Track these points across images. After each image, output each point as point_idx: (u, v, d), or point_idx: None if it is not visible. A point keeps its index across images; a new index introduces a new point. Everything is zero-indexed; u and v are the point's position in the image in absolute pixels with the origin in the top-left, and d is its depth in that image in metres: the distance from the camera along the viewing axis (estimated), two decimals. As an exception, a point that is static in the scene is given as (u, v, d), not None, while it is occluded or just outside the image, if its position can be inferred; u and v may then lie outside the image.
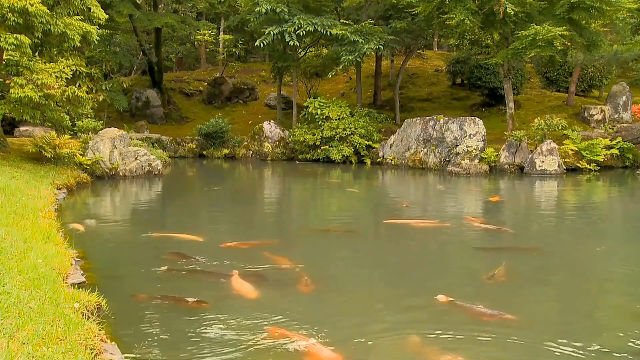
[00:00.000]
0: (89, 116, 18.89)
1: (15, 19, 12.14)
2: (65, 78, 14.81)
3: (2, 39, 12.10)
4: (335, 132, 21.50)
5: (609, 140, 19.84)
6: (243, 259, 7.45)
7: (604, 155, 19.16)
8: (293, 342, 4.78)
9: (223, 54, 31.62)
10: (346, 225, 10.47)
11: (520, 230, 10.26)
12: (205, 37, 31.77)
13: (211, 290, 6.25)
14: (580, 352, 4.71)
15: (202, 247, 8.17)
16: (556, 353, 4.70)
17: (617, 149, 19.57)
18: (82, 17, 14.02)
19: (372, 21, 22.26)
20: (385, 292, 6.45)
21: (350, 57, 21.06)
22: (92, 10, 14.24)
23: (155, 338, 4.95)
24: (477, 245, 8.98)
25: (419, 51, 29.15)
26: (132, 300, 5.88)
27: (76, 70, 16.02)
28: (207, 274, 6.88)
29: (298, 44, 21.72)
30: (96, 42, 15.18)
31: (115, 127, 18.00)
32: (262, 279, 6.56)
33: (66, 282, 5.41)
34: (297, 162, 22.07)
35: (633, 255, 8.45)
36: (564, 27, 18.12)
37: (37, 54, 14.54)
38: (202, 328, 5.12)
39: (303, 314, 5.50)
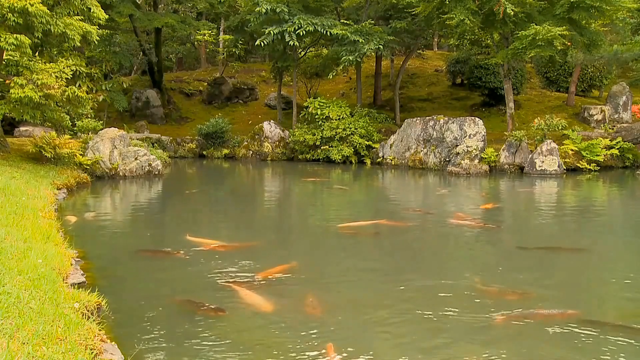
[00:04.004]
0: (89, 116, 18.92)
1: (15, 19, 12.14)
2: (65, 78, 14.84)
3: (2, 39, 12.10)
4: (335, 132, 21.50)
5: (609, 140, 19.85)
6: (226, 261, 7.43)
7: (604, 156, 19.18)
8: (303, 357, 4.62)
9: (223, 54, 31.61)
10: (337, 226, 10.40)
11: (517, 229, 10.26)
12: (205, 37, 31.77)
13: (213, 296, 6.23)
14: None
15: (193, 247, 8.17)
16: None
17: (617, 149, 19.60)
18: (82, 17, 14.02)
19: (372, 21, 22.27)
20: (377, 293, 6.46)
21: (350, 57, 21.08)
22: (92, 10, 14.23)
23: (160, 340, 4.96)
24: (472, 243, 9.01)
25: (419, 51, 29.15)
26: (145, 302, 5.84)
27: (76, 70, 16.07)
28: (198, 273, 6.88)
29: (298, 44, 21.73)
30: (96, 42, 15.16)
31: (115, 127, 17.99)
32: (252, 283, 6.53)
33: (66, 282, 5.41)
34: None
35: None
36: (564, 27, 18.14)
37: (37, 54, 14.54)
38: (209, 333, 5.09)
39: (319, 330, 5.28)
